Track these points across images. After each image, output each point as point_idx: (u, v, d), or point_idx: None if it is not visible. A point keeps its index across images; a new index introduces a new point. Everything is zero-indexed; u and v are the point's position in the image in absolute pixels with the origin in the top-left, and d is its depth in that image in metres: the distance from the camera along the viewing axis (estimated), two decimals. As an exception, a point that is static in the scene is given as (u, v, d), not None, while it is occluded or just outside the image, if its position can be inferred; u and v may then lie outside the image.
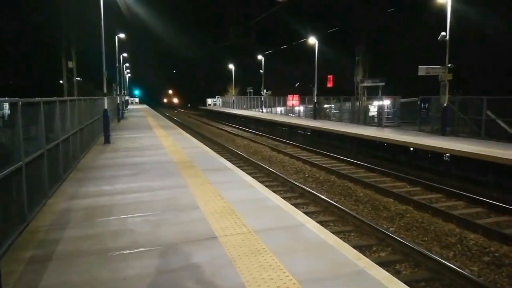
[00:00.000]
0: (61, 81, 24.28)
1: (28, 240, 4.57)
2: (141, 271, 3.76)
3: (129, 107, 54.82)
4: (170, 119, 32.32)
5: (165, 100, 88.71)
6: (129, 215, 5.44)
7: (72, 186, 7.23)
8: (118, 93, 31.35)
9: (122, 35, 29.70)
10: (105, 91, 14.83)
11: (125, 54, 41.44)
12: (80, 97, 11.60)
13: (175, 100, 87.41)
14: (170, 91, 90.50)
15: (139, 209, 5.73)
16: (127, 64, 52.21)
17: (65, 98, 9.18)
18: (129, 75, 62.72)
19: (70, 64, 22.25)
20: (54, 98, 7.43)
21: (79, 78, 24.21)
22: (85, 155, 10.90)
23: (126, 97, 54.68)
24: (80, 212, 5.65)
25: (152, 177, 7.94)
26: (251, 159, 14.86)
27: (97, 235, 4.72)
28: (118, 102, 28.39)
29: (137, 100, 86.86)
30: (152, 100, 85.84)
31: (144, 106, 62.02)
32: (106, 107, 14.29)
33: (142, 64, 78.88)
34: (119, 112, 26.94)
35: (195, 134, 22.94)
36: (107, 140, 13.76)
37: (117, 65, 31.17)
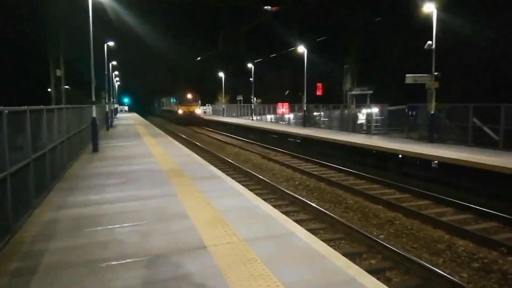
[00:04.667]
0: (49, 89, 24.01)
1: (13, 252, 4.47)
2: (129, 283, 3.69)
3: (118, 115, 54.45)
4: (160, 127, 32.14)
5: (179, 111, 44.09)
6: (117, 225, 5.36)
7: (59, 196, 7.11)
8: (107, 101, 31.13)
9: (111, 43, 29.58)
10: (93, 99, 14.70)
11: (114, 62, 41.22)
12: (68, 106, 11.48)
13: (198, 111, 45.35)
14: (190, 95, 44.69)
15: (127, 219, 5.65)
16: (116, 72, 51.93)
17: (53, 106, 9.07)
18: (118, 83, 62.40)
19: (58, 72, 21.99)
20: (41, 106, 7.34)
21: (67, 87, 23.97)
22: (73, 164, 10.76)
23: (115, 105, 54.33)
24: (67, 222, 5.55)
25: (141, 186, 7.86)
26: (241, 167, 14.82)
27: (84, 246, 4.64)
28: (107, 110, 28.17)
29: (126, 108, 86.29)
30: (142, 108, 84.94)
31: (134, 115, 61.64)
32: (94, 115, 14.16)
33: (131, 72, 77.88)
34: (108, 120, 26.72)
35: (185, 142, 22.84)
36: (96, 149, 13.62)
37: (106, 73, 30.97)
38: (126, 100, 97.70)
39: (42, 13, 21.73)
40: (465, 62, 30.36)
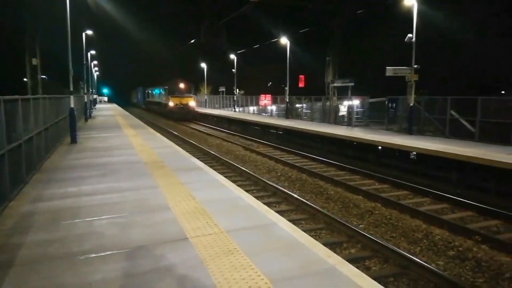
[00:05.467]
0: (25, 79, 23.26)
1: (-14, 246, 4.34)
2: (108, 275, 3.64)
3: (97, 106, 53.37)
4: (141, 118, 31.66)
5: (170, 104, 36.90)
6: (96, 218, 5.27)
7: (36, 188, 6.93)
8: (85, 91, 30.43)
9: (89, 32, 28.82)
10: (71, 89, 14.33)
11: (93, 52, 40.23)
12: (45, 96, 11.16)
13: (192, 103, 37.66)
14: (182, 85, 37.78)
15: (106, 211, 5.56)
16: (95, 62, 50.71)
17: (28, 96, 8.79)
18: (97, 73, 61.00)
19: (34, 61, 21.29)
20: (16, 96, 7.10)
21: (44, 76, 23.27)
22: (50, 156, 10.50)
23: (94, 96, 53.18)
24: (44, 215, 5.42)
25: (120, 178, 7.74)
26: (223, 158, 14.78)
27: (62, 238, 4.54)
28: (86, 100, 27.56)
29: (105, 99, 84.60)
30: (123, 98, 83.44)
31: (114, 105, 60.51)
32: (72, 105, 13.82)
33: (111, 62, 76.01)
34: (87, 111, 26.16)
35: (167, 134, 22.59)
36: (74, 140, 13.34)
37: (84, 62, 30.21)
38: (105, 90, 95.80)
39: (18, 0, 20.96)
40: (445, 55, 30.99)
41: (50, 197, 6.32)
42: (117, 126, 20.66)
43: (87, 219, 5.23)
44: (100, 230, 4.79)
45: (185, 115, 36.07)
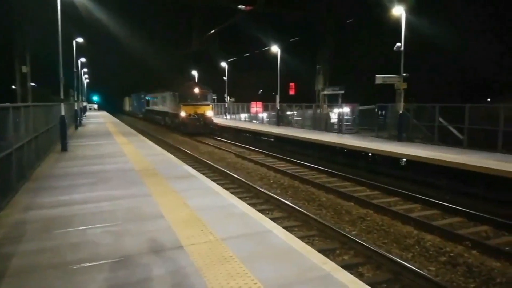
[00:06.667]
0: (13, 87, 22.99)
1: (-22, 256, 4.28)
2: (103, 284, 3.62)
3: (87, 113, 52.98)
4: (131, 125, 31.44)
5: (182, 114, 28.12)
6: (89, 226, 5.23)
7: (27, 197, 6.85)
8: (75, 99, 30.19)
9: (80, 40, 28.68)
10: (62, 97, 14.23)
11: (83, 59, 39.99)
12: (35, 103, 11.07)
13: (210, 113, 29.34)
14: (197, 89, 29.65)
15: (99, 219, 5.52)
16: (85, 70, 50.38)
17: (19, 104, 8.73)
18: (87, 80, 60.60)
19: (24, 69, 21.05)
20: (7, 104, 7.05)
21: (33, 84, 23.01)
22: (41, 164, 10.39)
23: (84, 103, 52.78)
24: (35, 224, 5.37)
25: (113, 186, 7.70)
26: (215, 166, 14.76)
27: (55, 248, 4.50)
28: (76, 108, 27.34)
29: (95, 106, 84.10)
30: (114, 106, 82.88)
31: (104, 113, 60.06)
32: (63, 113, 13.72)
33: (102, 69, 75.27)
34: (77, 118, 25.95)
35: (158, 141, 22.49)
36: (65, 148, 13.21)
37: (75, 70, 30.00)
38: (95, 98, 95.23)
39: (7, 6, 20.79)
40: (433, 63, 31.52)
41: (41, 206, 6.26)
42: (107, 134, 20.53)
43: (80, 227, 5.19)
44: (94, 239, 4.76)
45: (201, 128, 28.36)
